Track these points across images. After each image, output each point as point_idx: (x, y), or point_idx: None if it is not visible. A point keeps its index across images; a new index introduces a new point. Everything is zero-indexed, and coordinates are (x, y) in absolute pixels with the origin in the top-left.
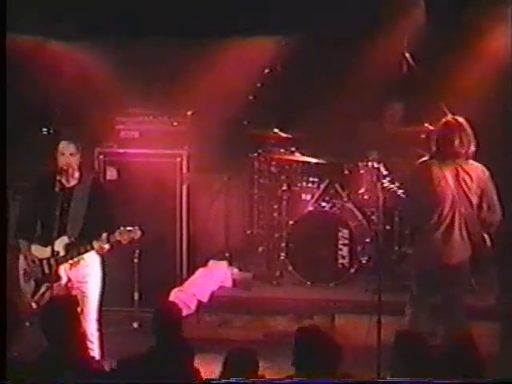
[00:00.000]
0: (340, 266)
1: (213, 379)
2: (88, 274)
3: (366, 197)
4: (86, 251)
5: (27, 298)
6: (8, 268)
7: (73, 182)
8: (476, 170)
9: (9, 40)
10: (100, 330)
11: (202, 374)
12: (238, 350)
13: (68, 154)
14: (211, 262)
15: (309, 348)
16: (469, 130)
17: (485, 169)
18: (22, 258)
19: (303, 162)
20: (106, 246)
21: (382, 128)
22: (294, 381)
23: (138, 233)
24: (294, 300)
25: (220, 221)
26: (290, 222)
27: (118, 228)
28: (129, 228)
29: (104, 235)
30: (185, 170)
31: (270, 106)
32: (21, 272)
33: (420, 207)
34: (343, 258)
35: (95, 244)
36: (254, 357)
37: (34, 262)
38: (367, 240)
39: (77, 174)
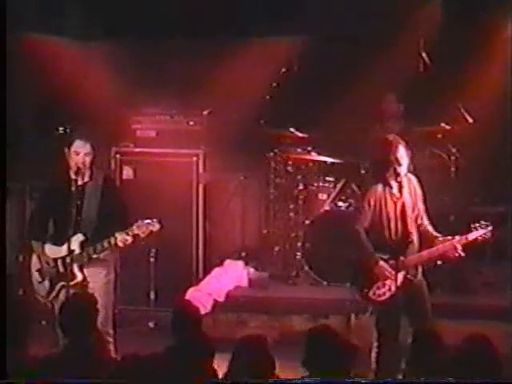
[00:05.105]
0: None
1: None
2: (103, 272)
3: None
4: (110, 245)
5: (42, 298)
6: (22, 268)
7: (84, 180)
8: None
9: (25, 39)
10: (115, 328)
11: (218, 374)
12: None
13: (83, 153)
14: (227, 262)
15: (321, 348)
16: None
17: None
18: (35, 257)
19: (319, 161)
20: (129, 239)
21: (398, 128)
22: (297, 381)
23: (157, 225)
24: (310, 300)
25: (236, 220)
26: (307, 222)
27: (136, 221)
28: (147, 221)
29: (124, 229)
30: (201, 169)
31: (286, 105)
32: (34, 272)
33: None
34: None
35: (119, 237)
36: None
37: (47, 261)
38: None
39: (88, 172)
